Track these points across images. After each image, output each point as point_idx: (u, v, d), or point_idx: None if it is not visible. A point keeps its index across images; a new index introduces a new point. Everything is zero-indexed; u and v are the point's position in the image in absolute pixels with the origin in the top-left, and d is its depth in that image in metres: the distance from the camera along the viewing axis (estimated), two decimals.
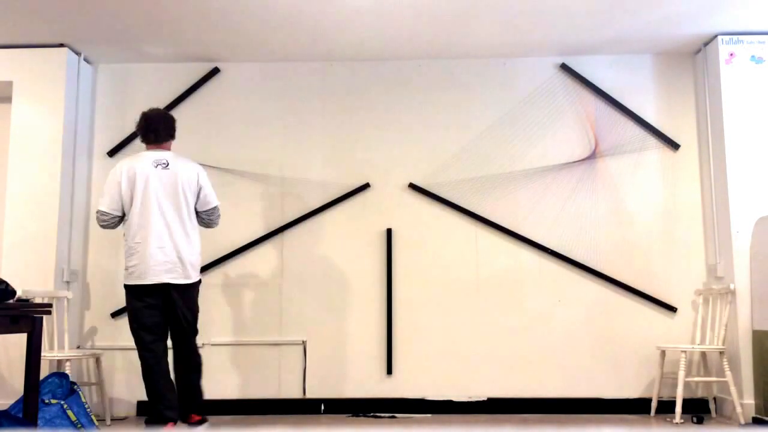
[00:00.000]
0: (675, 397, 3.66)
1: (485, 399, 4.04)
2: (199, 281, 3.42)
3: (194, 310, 3.39)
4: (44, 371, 3.35)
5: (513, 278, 4.17)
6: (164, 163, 3.33)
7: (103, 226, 3.36)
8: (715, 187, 4.05)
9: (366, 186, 4.26)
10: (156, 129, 3.40)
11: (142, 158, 3.35)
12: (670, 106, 4.27)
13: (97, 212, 3.35)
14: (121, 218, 3.35)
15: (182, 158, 3.43)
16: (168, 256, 3.25)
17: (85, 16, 3.73)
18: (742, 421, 3.62)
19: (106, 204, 3.31)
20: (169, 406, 3.23)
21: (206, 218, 3.44)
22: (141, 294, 3.27)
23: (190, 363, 3.38)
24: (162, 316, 3.30)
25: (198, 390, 3.41)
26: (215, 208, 3.44)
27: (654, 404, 3.89)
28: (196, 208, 3.40)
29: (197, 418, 3.37)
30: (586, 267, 4.14)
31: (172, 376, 3.35)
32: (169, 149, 3.44)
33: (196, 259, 3.37)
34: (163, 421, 3.21)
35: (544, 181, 4.24)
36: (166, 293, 3.27)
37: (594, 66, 4.31)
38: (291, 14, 3.72)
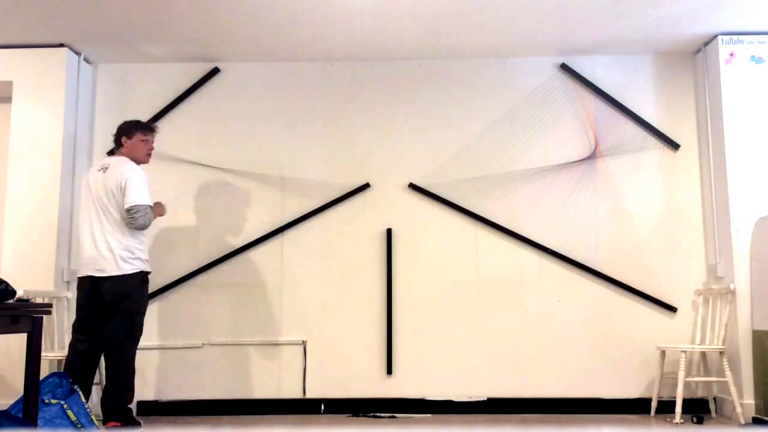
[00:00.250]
0: (675, 397, 3.66)
1: (485, 399, 4.04)
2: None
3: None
4: (44, 371, 3.34)
5: (513, 278, 4.17)
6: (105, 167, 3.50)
7: (149, 223, 3.45)
8: (715, 187, 4.05)
9: (366, 186, 4.26)
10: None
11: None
12: (670, 106, 4.27)
13: (147, 207, 3.41)
14: None
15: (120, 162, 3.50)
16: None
17: (85, 16, 3.73)
18: (742, 421, 3.62)
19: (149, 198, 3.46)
20: None
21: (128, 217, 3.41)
22: None
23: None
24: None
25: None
26: (130, 208, 3.38)
27: (654, 404, 3.89)
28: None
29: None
30: (586, 267, 4.14)
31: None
32: (120, 155, 3.55)
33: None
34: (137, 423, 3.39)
35: (544, 181, 4.24)
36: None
37: (594, 66, 4.31)
38: (291, 14, 3.72)
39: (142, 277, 3.47)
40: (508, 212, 4.21)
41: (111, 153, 4.28)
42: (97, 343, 3.47)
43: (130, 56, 4.30)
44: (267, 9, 3.66)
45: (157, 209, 3.61)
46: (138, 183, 3.41)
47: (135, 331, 3.46)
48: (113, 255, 3.39)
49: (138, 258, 3.45)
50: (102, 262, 3.39)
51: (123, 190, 3.39)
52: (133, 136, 3.55)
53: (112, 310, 3.40)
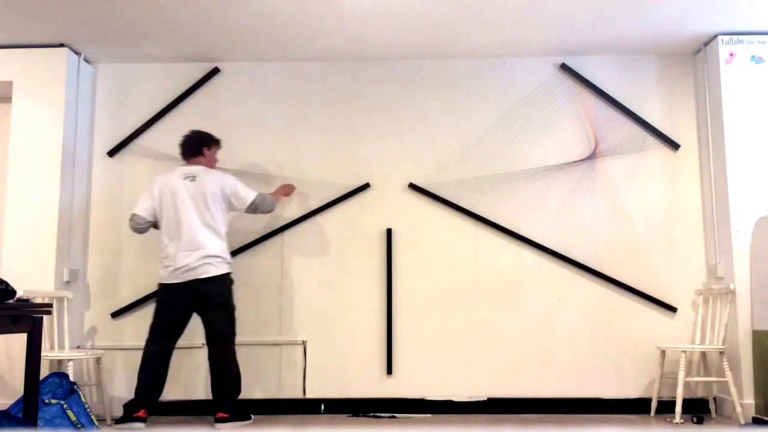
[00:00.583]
0: (675, 397, 3.66)
1: (485, 399, 4.04)
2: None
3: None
4: (44, 371, 3.34)
5: (513, 278, 4.17)
6: (191, 177, 3.72)
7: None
8: (715, 187, 4.05)
9: (366, 186, 4.26)
10: (181, 146, 3.86)
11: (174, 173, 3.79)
12: (670, 106, 4.27)
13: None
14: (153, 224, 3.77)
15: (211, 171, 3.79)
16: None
17: (85, 16, 3.73)
18: (742, 421, 3.62)
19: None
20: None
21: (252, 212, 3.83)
22: None
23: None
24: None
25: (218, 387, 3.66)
26: (253, 201, 3.76)
27: (654, 404, 3.89)
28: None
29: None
30: (586, 267, 4.14)
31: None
32: (198, 164, 3.79)
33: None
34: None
35: (544, 181, 4.24)
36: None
37: (594, 66, 4.31)
38: (291, 14, 3.72)
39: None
40: (508, 212, 4.21)
41: (111, 153, 4.29)
42: (175, 344, 3.73)
43: (130, 56, 4.30)
44: (267, 9, 3.66)
45: (283, 190, 4.05)
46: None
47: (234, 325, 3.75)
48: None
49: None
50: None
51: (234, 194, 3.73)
52: (212, 148, 3.89)
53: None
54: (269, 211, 3.89)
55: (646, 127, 4.24)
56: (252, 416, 3.76)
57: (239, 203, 3.74)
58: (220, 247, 3.67)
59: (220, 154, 3.98)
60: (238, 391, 3.67)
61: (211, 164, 3.86)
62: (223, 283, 3.67)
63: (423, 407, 4.03)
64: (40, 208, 3.97)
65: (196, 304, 3.65)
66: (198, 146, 3.82)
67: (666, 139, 4.23)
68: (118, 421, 3.56)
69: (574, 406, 4.02)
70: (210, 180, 3.70)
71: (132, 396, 3.62)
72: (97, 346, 4.13)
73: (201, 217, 3.64)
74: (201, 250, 3.60)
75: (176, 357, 3.76)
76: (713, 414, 3.93)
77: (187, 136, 3.86)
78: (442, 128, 4.30)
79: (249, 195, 3.74)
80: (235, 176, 3.88)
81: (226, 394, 3.61)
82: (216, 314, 3.64)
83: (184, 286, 3.60)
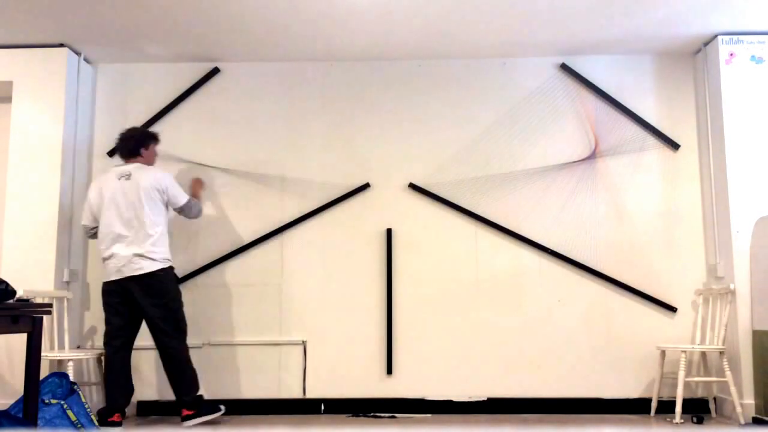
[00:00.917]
0: (675, 397, 3.66)
1: (485, 399, 4.04)
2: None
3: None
4: (44, 371, 3.34)
5: (513, 278, 4.17)
6: (127, 175, 3.69)
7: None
8: (715, 187, 4.05)
9: (366, 186, 4.26)
10: (118, 146, 3.85)
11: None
12: (670, 106, 4.27)
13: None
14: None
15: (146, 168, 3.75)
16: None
17: (85, 16, 3.73)
18: (742, 421, 3.62)
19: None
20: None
21: (180, 213, 3.84)
22: None
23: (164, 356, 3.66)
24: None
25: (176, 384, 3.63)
26: (182, 204, 3.76)
27: (654, 404, 3.89)
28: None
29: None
30: (586, 267, 4.14)
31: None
32: (135, 163, 3.76)
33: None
34: None
35: (544, 181, 4.24)
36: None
37: (594, 66, 4.31)
38: (291, 14, 3.72)
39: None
40: (508, 212, 4.21)
41: (111, 153, 4.29)
42: (133, 342, 3.73)
43: (130, 56, 4.30)
44: (267, 9, 3.66)
45: (195, 188, 4.06)
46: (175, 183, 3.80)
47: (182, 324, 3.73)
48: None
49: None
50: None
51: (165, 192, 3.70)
52: (149, 146, 3.84)
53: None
54: (196, 217, 3.90)
55: (646, 127, 4.24)
56: (222, 407, 3.72)
57: (171, 201, 3.72)
58: (154, 242, 3.59)
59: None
60: (196, 386, 3.66)
61: (150, 162, 3.83)
62: (158, 279, 3.59)
63: (423, 407, 4.03)
64: (40, 208, 3.97)
65: (135, 301, 3.59)
66: (135, 147, 3.78)
67: (666, 139, 4.23)
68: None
69: (574, 406, 4.02)
70: (144, 176, 3.66)
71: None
72: (97, 346, 4.13)
73: (134, 213, 3.60)
74: (133, 247, 3.56)
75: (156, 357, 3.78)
76: (713, 414, 3.93)
77: (123, 135, 3.81)
78: (442, 128, 4.31)
79: (181, 198, 3.74)
80: (172, 175, 3.87)
81: (185, 390, 3.61)
82: (154, 311, 3.58)
83: (120, 283, 3.58)
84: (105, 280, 3.65)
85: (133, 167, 3.71)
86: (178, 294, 3.71)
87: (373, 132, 4.32)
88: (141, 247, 3.56)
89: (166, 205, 3.72)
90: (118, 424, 3.50)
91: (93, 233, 3.77)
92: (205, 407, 3.63)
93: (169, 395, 3.79)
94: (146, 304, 3.57)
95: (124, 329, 3.64)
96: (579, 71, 4.30)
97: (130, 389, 3.66)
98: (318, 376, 4.11)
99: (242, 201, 4.26)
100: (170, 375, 3.62)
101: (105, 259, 3.63)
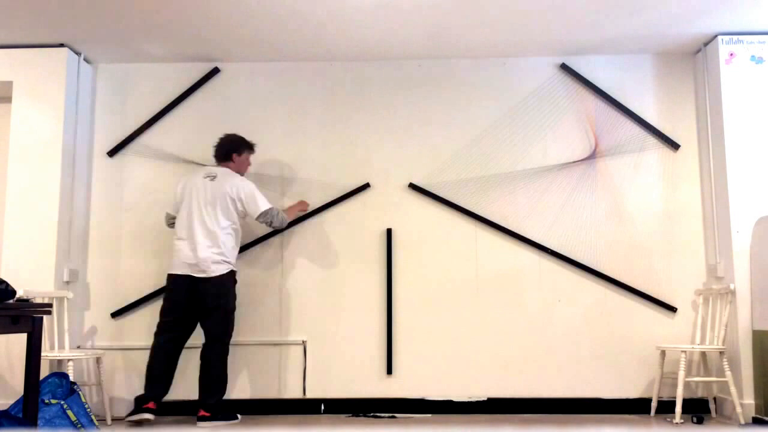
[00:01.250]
0: (675, 397, 3.66)
1: (485, 399, 4.04)
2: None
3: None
4: (44, 371, 3.35)
5: (513, 278, 4.17)
6: (213, 176, 3.82)
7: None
8: (715, 187, 4.05)
9: (366, 186, 4.26)
10: (214, 149, 3.97)
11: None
12: (670, 106, 4.27)
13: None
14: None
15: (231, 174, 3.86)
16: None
17: (85, 16, 3.73)
18: (742, 421, 3.62)
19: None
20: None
21: (262, 223, 3.86)
22: None
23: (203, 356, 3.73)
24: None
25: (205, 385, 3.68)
26: (263, 213, 3.78)
27: (654, 404, 3.89)
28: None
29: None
30: (586, 267, 4.14)
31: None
32: (225, 167, 3.89)
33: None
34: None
35: (544, 181, 4.24)
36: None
37: (594, 66, 4.31)
38: (291, 14, 3.72)
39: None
40: (508, 212, 4.21)
41: (111, 153, 4.28)
42: (185, 338, 3.77)
43: (130, 56, 4.30)
44: (267, 9, 3.66)
45: (298, 207, 4.10)
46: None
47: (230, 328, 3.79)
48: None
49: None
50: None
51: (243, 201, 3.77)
52: (242, 153, 3.95)
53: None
54: (279, 227, 3.92)
55: (646, 127, 4.24)
56: (239, 416, 3.78)
57: (251, 210, 3.78)
58: (222, 247, 3.69)
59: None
60: (222, 391, 3.70)
61: (241, 170, 3.95)
62: (221, 284, 3.69)
63: (423, 407, 4.03)
64: (40, 208, 3.97)
65: (194, 301, 3.68)
66: (227, 153, 3.91)
67: (666, 139, 4.23)
68: (129, 414, 3.61)
69: (574, 406, 4.02)
70: (228, 182, 3.77)
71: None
72: (97, 346, 4.13)
73: (209, 215, 3.70)
74: (202, 249, 3.66)
75: (185, 356, 3.78)
76: (713, 414, 3.93)
77: (220, 140, 3.96)
78: (442, 128, 4.30)
79: (262, 205, 3.78)
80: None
81: (208, 393, 3.65)
82: (210, 315, 3.67)
83: (184, 279, 3.67)
84: (171, 272, 3.72)
85: (221, 170, 3.84)
86: (235, 298, 3.79)
87: (373, 132, 4.32)
88: (208, 249, 3.66)
89: (242, 213, 3.79)
90: (152, 411, 3.57)
91: (171, 223, 3.89)
92: (223, 414, 3.68)
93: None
94: (205, 304, 3.65)
95: (179, 324, 3.71)
96: (579, 71, 4.30)
97: (169, 383, 3.70)
98: (318, 376, 4.11)
99: None
100: (204, 374, 3.67)
101: (175, 250, 3.73)
